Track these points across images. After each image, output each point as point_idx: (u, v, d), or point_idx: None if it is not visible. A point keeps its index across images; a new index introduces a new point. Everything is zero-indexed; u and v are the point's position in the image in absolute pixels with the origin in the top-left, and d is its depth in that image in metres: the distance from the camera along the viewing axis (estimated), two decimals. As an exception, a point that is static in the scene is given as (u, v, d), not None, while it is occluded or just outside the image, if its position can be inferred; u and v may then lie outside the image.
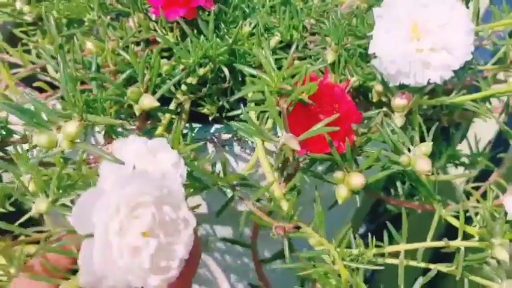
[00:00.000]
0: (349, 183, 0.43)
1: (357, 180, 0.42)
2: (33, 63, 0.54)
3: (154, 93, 0.45)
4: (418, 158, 0.42)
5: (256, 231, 0.56)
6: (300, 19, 0.60)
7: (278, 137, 0.43)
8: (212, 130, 0.58)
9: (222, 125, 0.57)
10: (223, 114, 0.55)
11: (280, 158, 0.51)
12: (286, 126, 0.40)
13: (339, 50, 0.53)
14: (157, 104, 0.44)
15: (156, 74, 0.44)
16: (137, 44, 0.55)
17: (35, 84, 0.48)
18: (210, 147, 0.59)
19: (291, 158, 0.40)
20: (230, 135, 0.58)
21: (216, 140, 0.59)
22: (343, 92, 0.44)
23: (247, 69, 0.49)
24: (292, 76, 0.45)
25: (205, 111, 0.53)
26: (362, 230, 0.85)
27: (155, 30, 0.56)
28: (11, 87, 0.48)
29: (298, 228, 0.43)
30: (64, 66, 0.41)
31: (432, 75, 0.42)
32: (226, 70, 0.52)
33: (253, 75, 0.54)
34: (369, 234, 0.48)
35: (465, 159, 0.73)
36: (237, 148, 0.59)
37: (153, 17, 0.58)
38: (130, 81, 0.52)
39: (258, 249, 0.56)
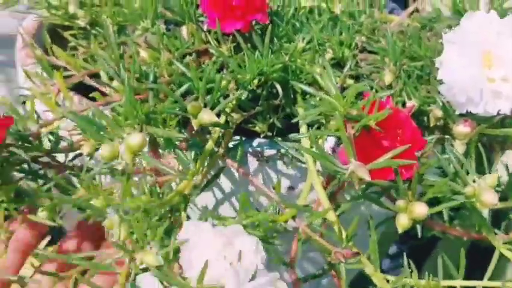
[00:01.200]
0: (412, 212, 0.41)
1: (421, 209, 0.41)
2: (83, 68, 0.53)
3: (211, 108, 0.45)
4: (484, 190, 0.41)
5: (296, 250, 0.56)
6: (351, 36, 0.59)
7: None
8: (255, 144, 0.57)
9: (265, 140, 0.56)
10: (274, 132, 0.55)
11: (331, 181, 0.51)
12: (354, 153, 0.39)
13: (397, 71, 0.51)
14: (216, 119, 0.43)
15: (218, 89, 0.43)
16: (189, 54, 0.54)
17: (92, 95, 0.47)
18: (253, 161, 0.58)
19: (357, 186, 0.39)
20: (274, 152, 0.57)
21: (259, 155, 0.58)
22: (408, 117, 0.43)
23: (304, 88, 0.48)
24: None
25: (256, 129, 0.52)
26: (392, 250, 0.83)
27: (207, 41, 0.55)
28: (64, 93, 0.47)
29: (357, 254, 0.42)
30: (127, 78, 0.40)
31: (503, 105, 0.41)
32: (279, 87, 0.51)
33: (306, 93, 0.54)
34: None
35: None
36: (279, 163, 0.59)
37: (205, 27, 0.57)
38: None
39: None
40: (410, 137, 0.43)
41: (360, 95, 0.47)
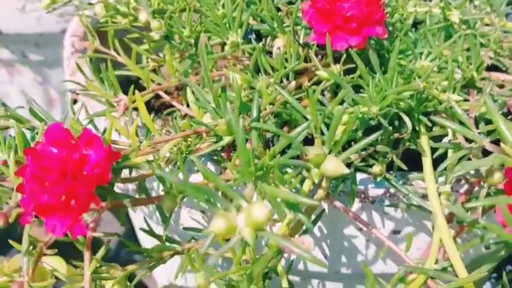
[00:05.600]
0: None
1: None
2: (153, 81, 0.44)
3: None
4: None
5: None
6: (478, 52, 0.48)
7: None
8: (357, 180, 0.47)
9: (367, 176, 0.46)
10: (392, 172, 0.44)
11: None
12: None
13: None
14: (347, 170, 0.33)
15: (348, 132, 0.33)
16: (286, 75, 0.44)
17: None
18: (355, 202, 0.48)
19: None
20: (382, 191, 0.47)
21: (363, 194, 0.48)
22: None
23: (448, 124, 0.37)
24: None
25: (375, 170, 0.42)
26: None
27: (304, 58, 0.45)
28: (146, 119, 0.38)
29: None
30: (238, 123, 0.30)
31: None
32: (407, 119, 0.40)
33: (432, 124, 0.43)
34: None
35: None
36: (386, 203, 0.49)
37: (301, 39, 0.47)
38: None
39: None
40: None
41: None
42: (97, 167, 0.33)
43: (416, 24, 0.56)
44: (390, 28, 0.51)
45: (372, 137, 0.35)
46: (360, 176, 0.47)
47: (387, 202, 0.48)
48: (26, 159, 0.34)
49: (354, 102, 0.39)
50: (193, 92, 0.40)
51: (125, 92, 0.43)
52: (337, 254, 0.52)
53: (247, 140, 0.37)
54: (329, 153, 0.34)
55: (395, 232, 0.51)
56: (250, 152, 0.30)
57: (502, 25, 0.55)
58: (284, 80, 0.45)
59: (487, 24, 0.56)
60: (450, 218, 0.44)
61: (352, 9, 0.41)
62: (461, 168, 0.34)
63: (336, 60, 0.45)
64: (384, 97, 0.38)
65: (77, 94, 0.49)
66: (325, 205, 0.48)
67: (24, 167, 0.33)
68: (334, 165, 0.33)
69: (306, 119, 0.37)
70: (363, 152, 0.41)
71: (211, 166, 0.48)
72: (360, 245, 0.52)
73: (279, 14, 0.50)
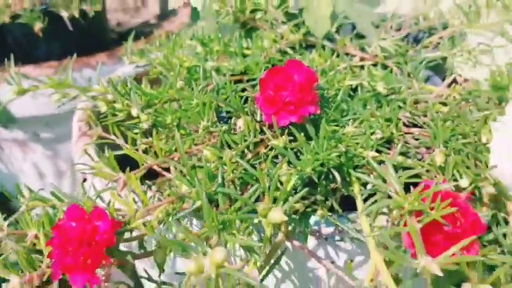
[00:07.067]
0: (479, 293, 0.43)
1: (488, 292, 0.43)
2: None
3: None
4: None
5: None
6: (395, 113, 0.62)
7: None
8: (312, 222, 0.60)
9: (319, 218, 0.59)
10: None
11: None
12: (423, 248, 0.42)
13: (448, 151, 0.54)
14: (286, 218, 0.46)
15: (285, 192, 0.47)
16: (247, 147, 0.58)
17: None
18: (311, 239, 0.61)
19: (429, 281, 0.41)
20: (332, 229, 0.60)
21: (317, 233, 0.61)
22: (467, 204, 0.46)
23: (362, 177, 0.51)
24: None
25: (318, 214, 0.55)
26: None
27: (261, 131, 0.59)
28: (139, 193, 0.51)
29: None
30: (202, 192, 0.44)
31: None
32: (337, 175, 0.54)
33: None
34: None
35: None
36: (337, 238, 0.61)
37: (258, 117, 0.61)
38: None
39: None
40: (471, 223, 0.45)
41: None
42: (105, 234, 0.46)
43: (355, 90, 0.70)
44: (331, 99, 0.65)
45: (300, 194, 0.49)
46: (314, 218, 0.60)
47: (337, 237, 0.61)
48: (52, 233, 0.47)
49: (294, 165, 0.53)
50: (175, 167, 0.54)
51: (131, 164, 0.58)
52: (305, 284, 0.65)
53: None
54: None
55: (349, 261, 0.64)
56: (213, 212, 0.44)
57: (421, 88, 0.69)
58: (246, 150, 0.59)
59: (411, 89, 0.70)
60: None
61: (289, 96, 0.56)
62: (369, 208, 0.47)
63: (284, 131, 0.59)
64: (316, 159, 0.52)
65: (86, 174, 0.63)
66: (289, 244, 0.61)
67: (52, 240, 0.47)
68: (277, 215, 0.46)
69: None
70: (306, 201, 0.54)
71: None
72: (322, 275, 0.64)
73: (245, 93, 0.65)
